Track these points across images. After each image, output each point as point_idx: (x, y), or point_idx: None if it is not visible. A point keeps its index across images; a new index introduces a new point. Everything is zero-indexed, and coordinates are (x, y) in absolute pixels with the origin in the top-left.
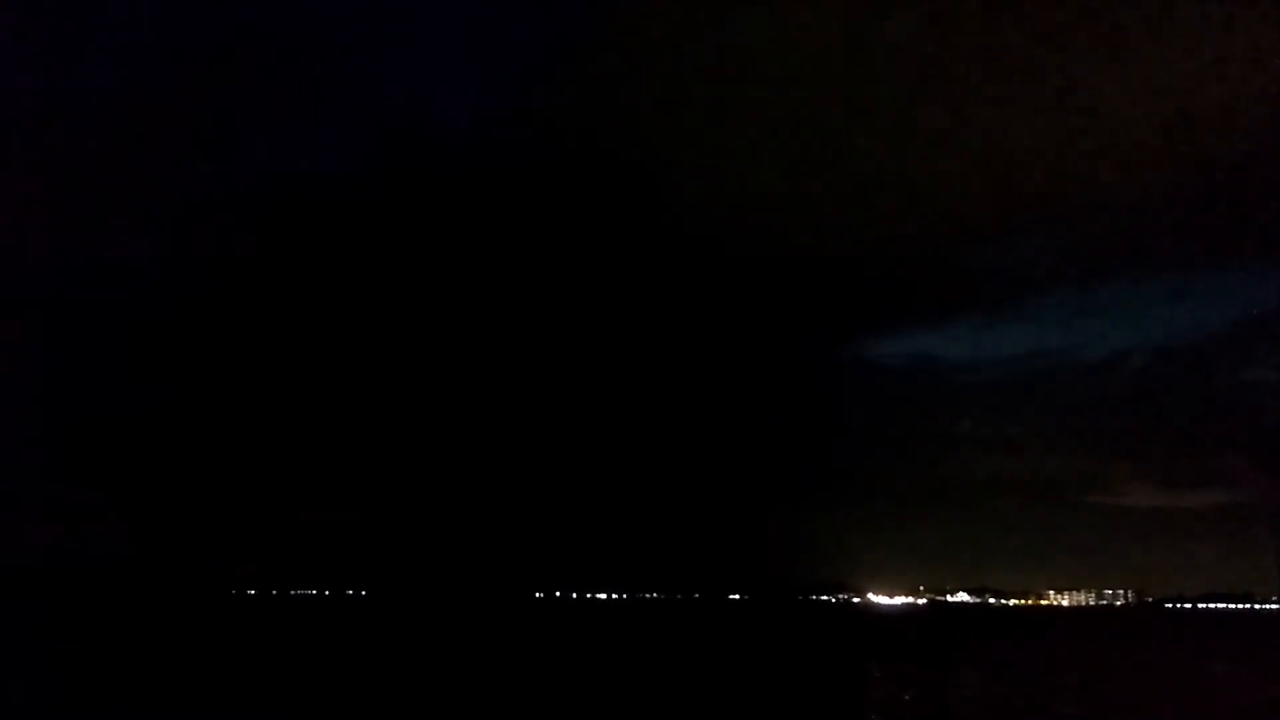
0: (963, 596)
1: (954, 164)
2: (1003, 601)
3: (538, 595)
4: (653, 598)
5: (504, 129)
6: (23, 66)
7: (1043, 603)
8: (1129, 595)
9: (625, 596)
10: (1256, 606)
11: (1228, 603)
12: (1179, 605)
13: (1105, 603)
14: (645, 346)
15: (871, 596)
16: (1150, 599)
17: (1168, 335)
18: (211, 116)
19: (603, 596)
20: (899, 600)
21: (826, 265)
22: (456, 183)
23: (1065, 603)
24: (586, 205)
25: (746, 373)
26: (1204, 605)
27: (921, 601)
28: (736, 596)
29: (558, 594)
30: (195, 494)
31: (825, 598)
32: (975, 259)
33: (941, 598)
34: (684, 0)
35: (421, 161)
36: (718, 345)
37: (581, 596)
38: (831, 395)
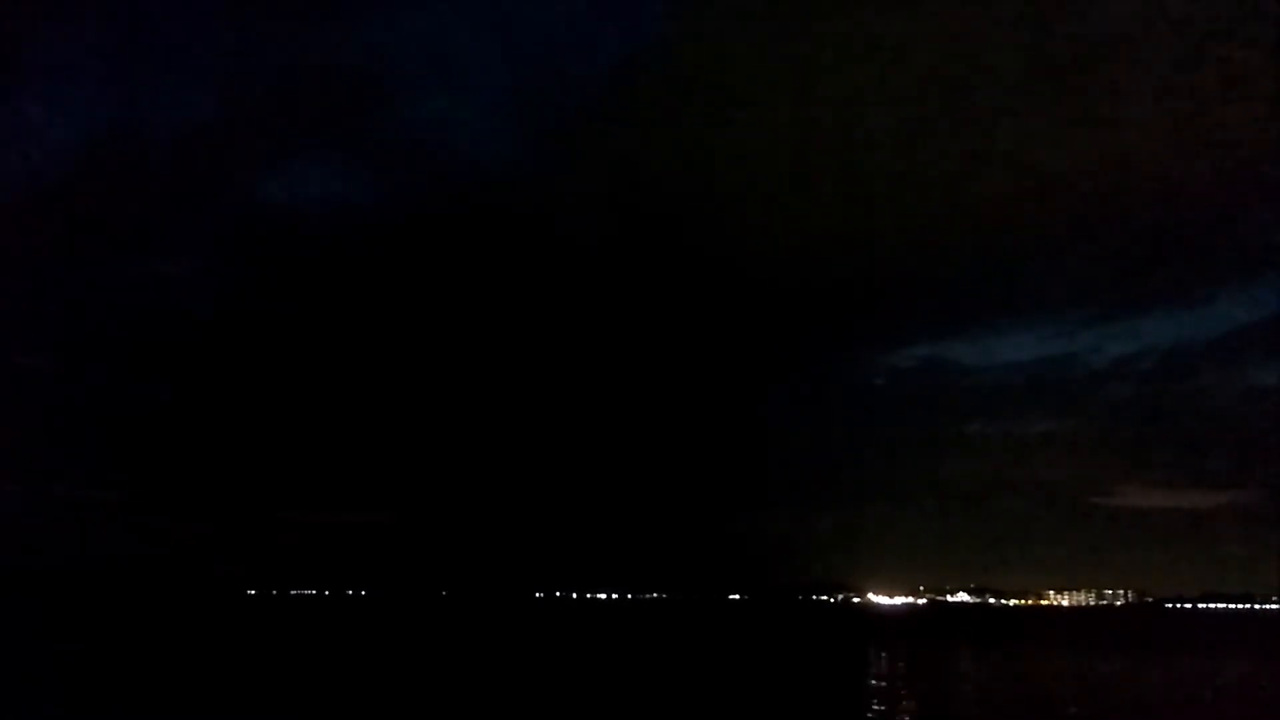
0: (963, 596)
1: (966, 179)
2: (1003, 601)
3: (538, 595)
4: (653, 598)
5: (528, 161)
6: (96, 96)
7: (1043, 603)
8: (1129, 595)
9: (625, 596)
10: (1256, 606)
11: (1228, 603)
12: (1179, 605)
13: (1105, 603)
14: (650, 350)
15: (872, 596)
16: (1150, 599)
17: (1174, 340)
18: (252, 145)
19: (603, 596)
20: (899, 600)
21: (837, 272)
22: (478, 207)
23: (1065, 603)
24: (603, 227)
25: (749, 374)
26: (1204, 605)
27: (921, 601)
28: (736, 596)
29: (558, 594)
30: (196, 495)
31: (825, 598)
32: (988, 270)
33: (941, 598)
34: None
35: (449, 187)
36: (720, 348)
37: (581, 596)
38: (834, 396)
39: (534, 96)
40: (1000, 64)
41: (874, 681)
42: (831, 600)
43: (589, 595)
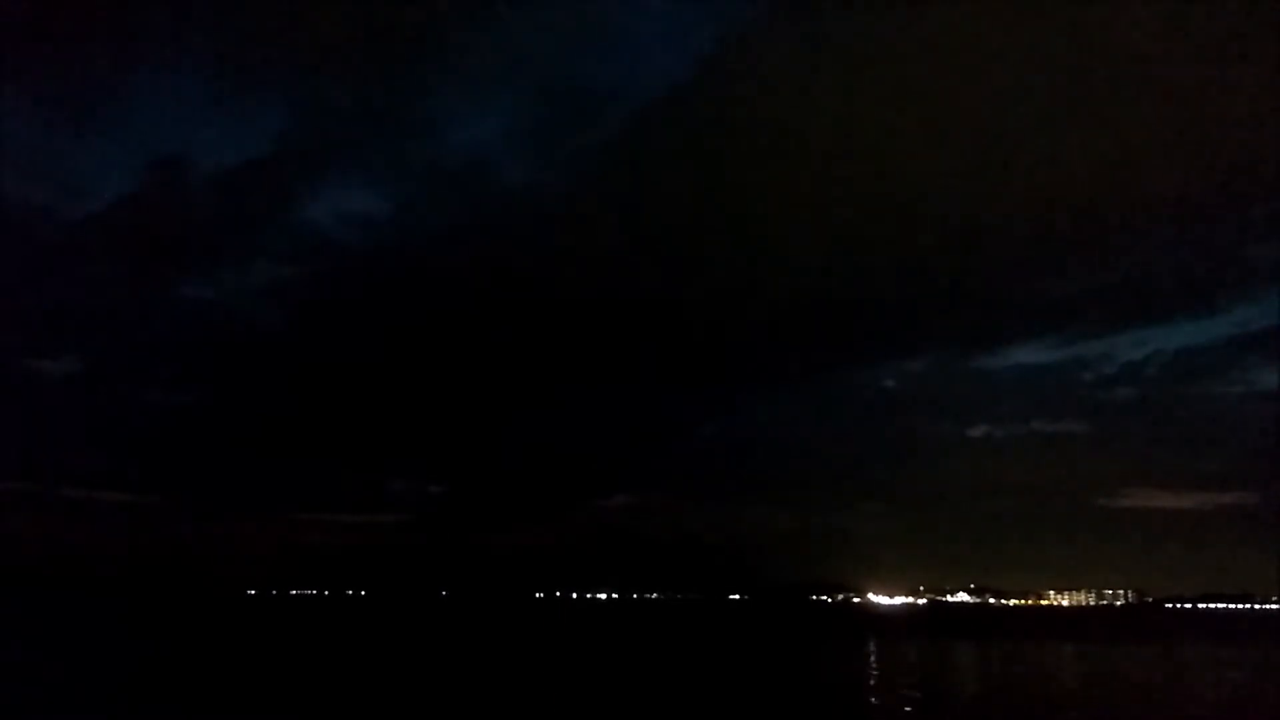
0: (963, 596)
1: (981, 189)
2: (1003, 601)
3: (538, 595)
4: (652, 598)
5: (557, 184)
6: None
7: (1043, 603)
8: (1129, 595)
9: (627, 596)
10: (1256, 606)
11: (1228, 603)
12: (1179, 605)
13: (1105, 603)
14: (653, 351)
15: (871, 596)
16: (1150, 599)
17: (1179, 346)
18: (299, 171)
19: (602, 597)
20: (899, 600)
21: (851, 278)
22: (505, 226)
23: (1065, 603)
24: (624, 236)
25: (754, 376)
26: (1204, 605)
27: (921, 601)
28: (736, 597)
29: (558, 594)
30: (196, 496)
31: (825, 598)
32: (1000, 278)
33: (941, 598)
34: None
35: (479, 208)
36: (727, 350)
37: (581, 596)
38: (843, 397)
39: (563, 126)
40: (1018, 76)
41: (873, 680)
42: (831, 600)
43: (589, 595)
